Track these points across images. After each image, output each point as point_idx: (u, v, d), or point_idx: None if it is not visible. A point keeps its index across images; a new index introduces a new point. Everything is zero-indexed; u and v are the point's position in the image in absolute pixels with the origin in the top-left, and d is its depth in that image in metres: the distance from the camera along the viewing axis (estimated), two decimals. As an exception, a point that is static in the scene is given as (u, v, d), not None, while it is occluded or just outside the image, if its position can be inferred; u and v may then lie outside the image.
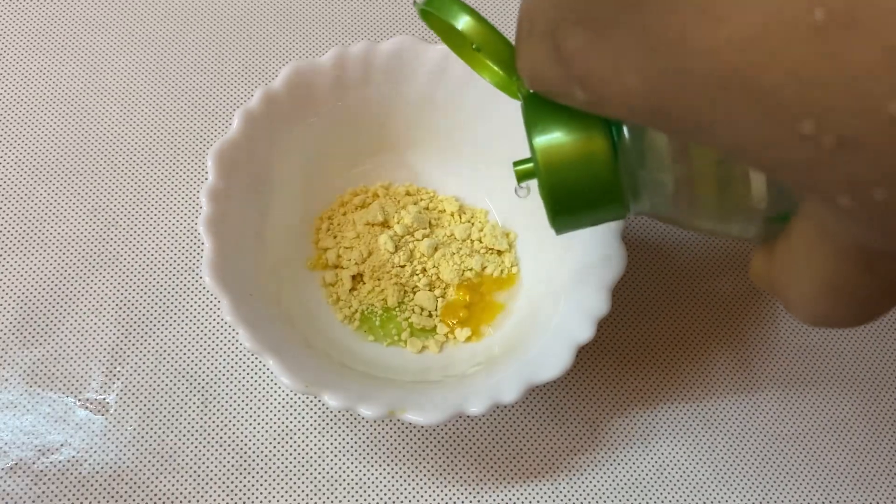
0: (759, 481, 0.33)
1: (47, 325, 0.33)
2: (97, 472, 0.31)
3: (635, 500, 0.32)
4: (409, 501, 0.31)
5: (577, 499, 0.32)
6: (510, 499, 0.32)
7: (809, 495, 0.32)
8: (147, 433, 0.32)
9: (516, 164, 0.25)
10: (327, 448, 0.32)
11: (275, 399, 0.32)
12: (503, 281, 0.34)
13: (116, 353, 0.33)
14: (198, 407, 0.32)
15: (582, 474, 0.32)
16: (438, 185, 0.36)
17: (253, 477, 0.31)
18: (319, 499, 0.31)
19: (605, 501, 0.32)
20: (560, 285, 0.32)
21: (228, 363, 0.33)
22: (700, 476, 0.33)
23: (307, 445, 0.32)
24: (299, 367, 0.28)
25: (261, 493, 0.31)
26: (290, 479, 0.31)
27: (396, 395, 0.28)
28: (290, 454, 0.32)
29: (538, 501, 0.32)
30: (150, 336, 0.33)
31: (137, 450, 0.31)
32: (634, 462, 0.33)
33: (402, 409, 0.27)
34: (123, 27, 0.38)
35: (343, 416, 0.32)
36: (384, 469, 0.32)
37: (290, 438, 0.32)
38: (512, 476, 0.32)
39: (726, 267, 0.36)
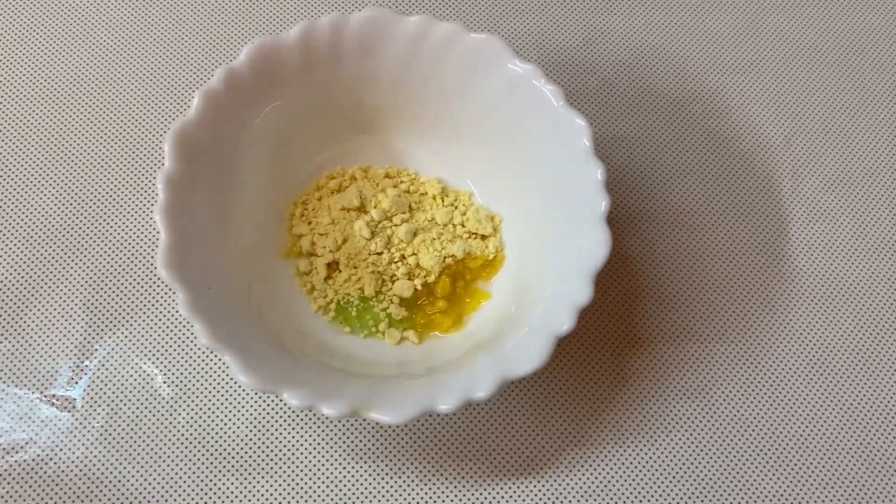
0: (758, 479, 0.30)
1: (11, 319, 0.32)
2: (63, 472, 0.30)
3: (621, 499, 0.30)
4: (387, 499, 0.30)
5: (558, 499, 0.30)
6: (489, 498, 0.30)
7: (813, 494, 0.30)
8: (115, 430, 0.30)
9: None
10: (302, 444, 0.30)
11: (247, 394, 0.31)
12: (487, 267, 0.32)
13: (83, 347, 0.31)
14: (168, 403, 0.31)
15: (564, 473, 0.30)
16: (420, 166, 0.34)
17: (225, 475, 0.30)
18: (295, 496, 0.30)
19: (588, 502, 0.30)
20: (545, 271, 0.29)
21: (198, 357, 0.31)
22: (691, 474, 0.30)
23: (282, 441, 0.30)
24: (260, 364, 0.26)
25: (234, 492, 0.30)
26: (265, 476, 0.30)
27: (362, 391, 0.26)
28: (265, 450, 0.30)
29: (517, 501, 0.30)
30: (118, 329, 0.32)
31: (105, 448, 0.30)
32: (620, 460, 0.31)
33: (367, 407, 0.25)
34: (79, 8, 0.37)
35: (318, 411, 0.31)
36: (362, 465, 0.30)
37: (264, 434, 0.30)
38: (492, 474, 0.30)
39: (714, 253, 0.34)
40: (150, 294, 0.32)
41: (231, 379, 0.31)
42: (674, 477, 0.30)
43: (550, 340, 0.26)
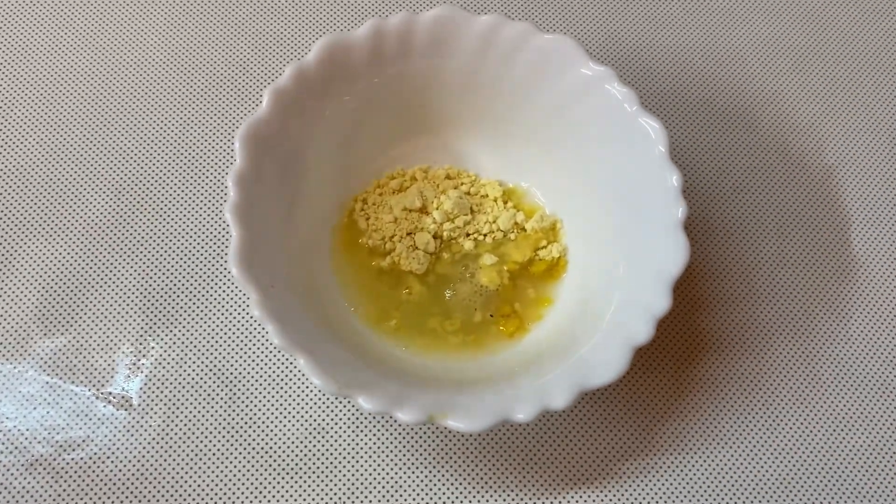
0: (822, 491, 0.30)
1: (68, 316, 0.31)
2: (120, 471, 0.29)
3: (692, 511, 0.30)
4: (448, 507, 0.29)
5: (629, 508, 0.30)
6: (556, 507, 0.29)
7: (883, 509, 0.30)
8: (172, 430, 0.30)
9: None
10: (362, 448, 0.30)
11: (306, 395, 0.30)
12: (551, 272, 0.31)
13: (140, 345, 0.31)
14: (225, 403, 0.30)
15: (633, 481, 0.30)
16: (481, 167, 0.33)
17: (283, 477, 0.29)
18: (350, 501, 0.29)
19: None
20: (614, 278, 0.29)
21: (257, 356, 0.31)
22: (759, 484, 0.30)
23: (340, 445, 0.30)
24: (332, 365, 0.25)
25: (291, 495, 0.29)
26: (322, 480, 0.29)
27: (437, 398, 0.26)
28: (323, 454, 0.30)
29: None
30: (175, 327, 0.31)
31: (161, 447, 0.30)
32: (690, 469, 0.30)
33: (443, 414, 0.25)
34: (146, 3, 0.36)
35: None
36: (422, 472, 0.30)
37: (323, 437, 0.30)
38: (558, 482, 0.30)
39: (790, 263, 0.33)
40: (208, 290, 0.32)
41: (287, 380, 0.31)
42: (734, 488, 0.30)
43: (628, 350, 0.26)
